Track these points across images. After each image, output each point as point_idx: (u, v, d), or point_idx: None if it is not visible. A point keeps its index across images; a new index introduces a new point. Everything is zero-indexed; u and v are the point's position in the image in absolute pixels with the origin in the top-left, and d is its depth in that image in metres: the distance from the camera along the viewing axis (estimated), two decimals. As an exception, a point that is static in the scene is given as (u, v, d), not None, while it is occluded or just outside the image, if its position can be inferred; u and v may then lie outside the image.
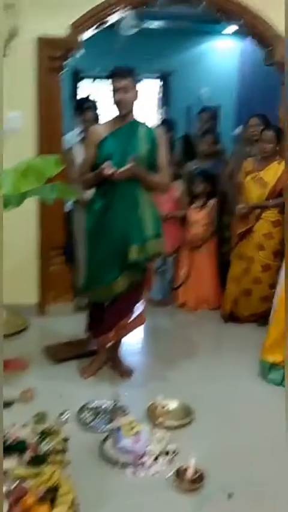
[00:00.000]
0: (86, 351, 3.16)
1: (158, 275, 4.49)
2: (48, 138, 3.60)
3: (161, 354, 3.25)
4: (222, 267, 4.03)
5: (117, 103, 2.67)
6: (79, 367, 2.97)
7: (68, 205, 3.99)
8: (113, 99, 2.68)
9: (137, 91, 2.70)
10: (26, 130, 3.55)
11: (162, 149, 2.79)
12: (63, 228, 3.85)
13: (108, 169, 2.59)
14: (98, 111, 3.79)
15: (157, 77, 7.44)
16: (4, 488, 1.92)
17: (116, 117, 2.76)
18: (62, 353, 3.15)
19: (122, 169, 2.59)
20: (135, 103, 2.72)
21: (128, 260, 2.69)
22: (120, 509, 1.93)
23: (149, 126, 2.81)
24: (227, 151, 4.42)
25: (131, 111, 2.72)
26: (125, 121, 2.73)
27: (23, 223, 3.67)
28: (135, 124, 2.75)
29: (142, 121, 2.80)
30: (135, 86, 2.67)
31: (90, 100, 3.94)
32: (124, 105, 2.67)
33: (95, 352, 3.07)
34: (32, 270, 3.79)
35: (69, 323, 3.61)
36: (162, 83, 7.43)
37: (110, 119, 2.83)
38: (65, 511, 1.77)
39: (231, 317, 3.79)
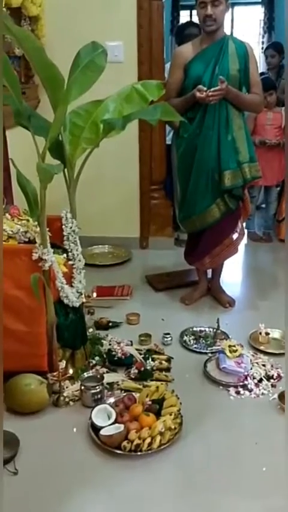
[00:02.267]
0: (187, 281, 3.21)
1: (260, 210, 4.36)
2: (150, 67, 3.53)
3: (262, 287, 3.19)
4: None
5: (206, 17, 2.50)
6: (181, 295, 3.03)
7: (169, 139, 3.94)
8: (200, 14, 2.53)
9: (228, 5, 2.53)
10: (127, 59, 3.51)
11: (253, 65, 2.63)
12: (163, 163, 3.82)
13: (200, 92, 2.48)
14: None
15: (261, 3, 6.99)
16: (112, 398, 2.07)
17: (204, 36, 2.61)
18: (163, 282, 3.23)
19: (213, 89, 2.47)
20: (224, 17, 2.55)
21: (221, 187, 2.62)
22: (222, 425, 1.99)
23: (239, 39, 2.63)
24: None
25: (220, 27, 2.56)
26: (214, 39, 2.57)
27: (125, 160, 3.72)
28: (225, 40, 2.58)
29: (230, 35, 2.63)
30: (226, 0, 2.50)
31: (192, 25, 3.75)
32: (213, 20, 2.50)
33: (194, 283, 3.10)
34: (134, 205, 3.85)
35: (170, 256, 3.67)
36: (266, 9, 6.96)
37: (197, 38, 2.68)
38: (170, 421, 1.86)
39: None
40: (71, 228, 2.26)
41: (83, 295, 2.31)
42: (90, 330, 2.55)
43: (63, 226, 2.26)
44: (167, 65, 3.85)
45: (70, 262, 2.27)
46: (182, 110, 2.64)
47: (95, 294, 2.70)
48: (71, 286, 2.24)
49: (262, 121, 3.81)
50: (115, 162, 3.70)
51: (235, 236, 2.76)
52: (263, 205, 4.32)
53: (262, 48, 6.59)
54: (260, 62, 5.16)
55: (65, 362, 2.16)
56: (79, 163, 2.31)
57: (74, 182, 2.30)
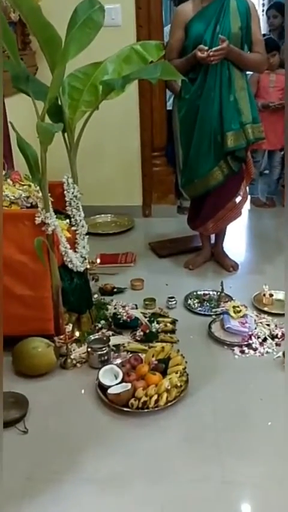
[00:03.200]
0: (190, 247, 3.21)
1: (264, 175, 4.32)
2: (148, 30, 3.45)
3: (265, 252, 3.18)
4: None
5: None
6: (184, 261, 3.03)
7: (169, 104, 3.89)
8: None
9: None
10: (125, 22, 3.43)
11: (255, 22, 2.56)
12: (164, 129, 3.78)
13: (201, 51, 2.43)
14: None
15: None
16: (119, 360, 2.10)
17: None
18: (167, 248, 3.23)
19: (214, 49, 2.42)
20: None
21: (224, 148, 2.58)
22: (228, 382, 2.02)
23: None
24: None
25: None
26: None
27: (126, 127, 3.67)
28: None
29: None
30: None
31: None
32: None
33: (198, 248, 3.11)
34: (136, 172, 3.82)
35: (173, 223, 3.66)
36: None
37: None
38: (176, 379, 1.89)
39: None
40: (72, 193, 2.26)
41: (87, 261, 2.32)
42: (96, 296, 2.57)
43: (65, 192, 2.25)
44: (166, 28, 3.77)
45: (73, 228, 2.27)
46: (183, 71, 2.58)
47: (99, 260, 2.71)
48: (75, 251, 2.25)
49: (265, 83, 3.74)
50: (115, 129, 3.66)
51: (238, 199, 2.74)
52: (266, 171, 4.28)
53: (263, 9, 6.41)
54: (262, 23, 5.03)
55: (71, 325, 2.19)
56: (79, 127, 2.29)
57: (74, 147, 2.28)
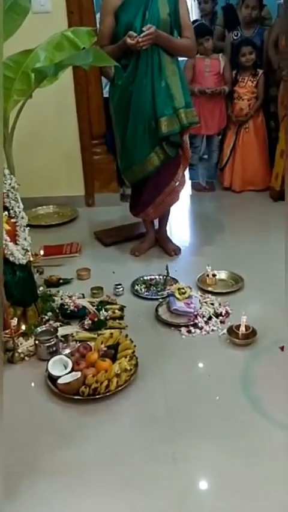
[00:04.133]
0: (135, 234, 3.23)
1: (203, 160, 4.40)
2: (80, 16, 3.39)
3: (208, 235, 3.25)
4: (270, 144, 3.88)
5: None
6: (130, 248, 3.05)
7: (106, 91, 3.86)
8: None
9: None
10: (55, 8, 3.36)
11: (183, 8, 2.59)
12: (102, 116, 3.75)
13: (131, 38, 2.43)
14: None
15: None
16: (68, 350, 2.10)
17: None
18: (112, 237, 3.23)
19: (142, 35, 2.42)
20: None
21: (158, 134, 2.60)
22: (177, 362, 2.07)
23: None
24: (271, 17, 4.06)
25: None
26: None
27: (63, 116, 3.62)
28: None
29: None
30: None
31: None
32: None
33: (142, 235, 3.13)
34: (76, 162, 3.78)
35: (117, 212, 3.66)
36: None
37: None
38: (126, 363, 1.91)
39: (281, 196, 3.69)
40: (10, 184, 2.21)
41: (29, 253, 2.28)
42: (41, 288, 2.53)
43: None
44: (98, 15, 3.73)
45: (12, 220, 2.23)
46: (115, 58, 2.55)
47: (42, 252, 2.68)
48: (16, 244, 2.20)
49: (200, 68, 3.78)
50: (52, 118, 3.60)
51: (176, 184, 2.78)
52: (205, 156, 4.36)
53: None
54: (193, 9, 5.08)
55: (16, 319, 2.15)
56: (13, 117, 2.24)
57: (9, 137, 2.23)
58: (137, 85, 2.57)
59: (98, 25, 3.50)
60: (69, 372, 1.92)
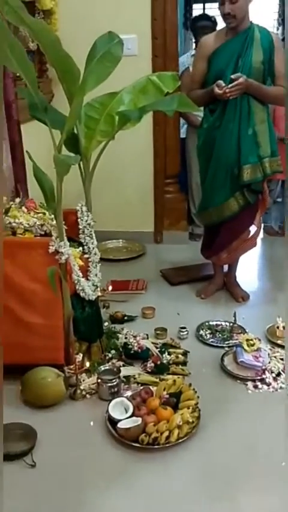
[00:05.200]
0: (202, 275, 3.18)
1: (277, 203, 4.31)
2: (164, 60, 3.50)
3: (279, 281, 3.14)
4: None
5: (225, 16, 2.45)
6: (196, 289, 3.01)
7: (182, 132, 3.92)
8: (220, 11, 2.47)
9: None
10: (141, 52, 3.48)
11: (279, 56, 2.55)
12: (177, 157, 3.80)
13: (219, 87, 2.44)
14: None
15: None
16: (129, 392, 2.06)
17: (228, 28, 2.56)
18: (178, 276, 3.21)
19: (230, 85, 2.42)
20: (247, 9, 2.47)
21: (240, 181, 2.58)
22: (241, 419, 1.97)
23: (266, 29, 2.57)
24: None
25: (242, 20, 2.49)
26: (237, 31, 2.51)
27: (140, 154, 3.70)
28: (250, 30, 2.51)
29: (257, 24, 2.56)
30: None
31: (207, 17, 3.71)
32: (233, 17, 2.44)
33: (210, 277, 3.08)
34: (148, 199, 3.83)
35: (184, 250, 3.65)
36: (280, 1, 6.82)
37: (223, 28, 2.63)
38: (188, 414, 1.85)
39: None
40: (86, 221, 2.26)
41: (98, 289, 2.30)
42: (106, 324, 2.54)
43: (79, 220, 2.25)
44: (181, 58, 3.83)
45: (86, 256, 2.26)
46: (203, 103, 2.62)
47: (110, 288, 2.70)
48: (87, 279, 2.23)
49: (280, 112, 3.75)
50: (129, 157, 3.68)
51: (253, 230, 2.73)
52: (279, 199, 4.27)
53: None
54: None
55: (81, 355, 2.16)
56: (94, 156, 2.30)
57: (89, 175, 2.29)
58: (223, 130, 2.57)
59: (179, 68, 3.64)
60: (130, 416, 1.88)
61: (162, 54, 3.50)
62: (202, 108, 2.71)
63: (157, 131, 3.64)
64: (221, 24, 2.79)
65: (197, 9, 7.05)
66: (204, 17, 3.82)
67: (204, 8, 6.92)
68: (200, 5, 7.09)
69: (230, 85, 2.43)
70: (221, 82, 2.45)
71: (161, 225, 3.86)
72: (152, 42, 3.49)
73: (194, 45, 3.72)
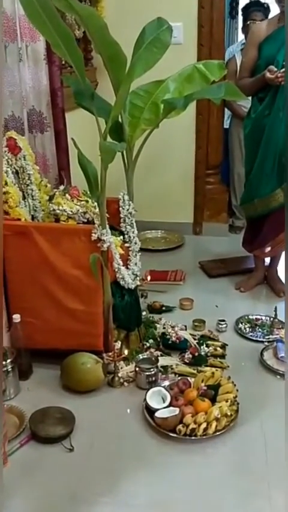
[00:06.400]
0: (242, 268, 3.14)
1: None
2: (209, 49, 3.43)
3: None
4: None
5: None
6: (236, 282, 2.97)
7: (227, 123, 3.86)
8: None
9: None
10: (187, 40, 3.43)
11: None
12: (220, 147, 3.73)
13: (271, 72, 2.38)
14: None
15: None
16: (167, 381, 2.06)
17: (281, 13, 2.49)
18: (217, 268, 3.17)
19: (283, 70, 2.36)
20: None
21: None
22: (280, 414, 1.90)
23: None
24: None
25: None
26: None
27: (182, 144, 3.65)
28: None
29: None
30: None
31: (259, 3, 3.61)
32: None
33: (250, 270, 3.03)
34: (189, 189, 3.79)
35: (224, 243, 3.61)
36: None
37: (275, 15, 2.57)
38: (227, 407, 1.83)
39: None
40: (127, 210, 2.26)
41: (138, 278, 2.30)
42: (144, 313, 2.54)
43: (120, 208, 2.26)
44: (230, 48, 3.75)
45: (126, 245, 2.27)
46: (253, 90, 2.57)
47: (149, 277, 2.69)
48: (127, 268, 2.23)
49: None
50: (171, 146, 3.65)
51: None
52: None
53: None
54: None
55: (120, 342, 2.17)
56: (138, 144, 2.29)
57: (132, 164, 2.28)
58: (273, 118, 2.51)
59: (225, 59, 3.56)
60: (167, 406, 1.88)
61: (208, 43, 3.43)
62: (250, 98, 2.66)
63: (200, 120, 3.58)
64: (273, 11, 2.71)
65: (243, -2, 6.89)
66: (257, 3, 3.72)
67: (250, -4, 6.76)
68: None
69: (282, 70, 2.37)
70: (272, 67, 2.39)
71: (201, 216, 3.82)
72: (198, 31, 3.43)
73: (239, 34, 3.64)
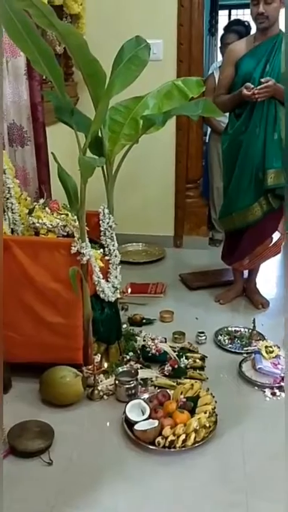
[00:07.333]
0: (222, 280, 3.18)
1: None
2: (189, 65, 3.51)
3: (300, 289, 3.12)
4: None
5: (258, 15, 2.45)
6: (215, 294, 3.00)
7: (206, 137, 3.93)
8: (253, 11, 2.47)
9: (282, 2, 2.44)
10: (166, 57, 3.50)
11: None
12: (200, 162, 3.80)
13: (247, 89, 2.45)
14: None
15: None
16: (146, 394, 2.07)
17: (257, 33, 2.56)
18: (197, 281, 3.20)
19: (259, 87, 2.43)
20: (279, 14, 2.47)
21: (264, 185, 2.57)
22: (258, 425, 1.96)
23: None
24: None
25: (273, 24, 2.49)
26: (267, 36, 2.52)
27: (161, 158, 3.70)
28: (279, 37, 2.51)
29: (286, 32, 2.55)
30: None
31: (240, 22, 3.71)
32: (265, 17, 2.44)
33: (229, 283, 3.07)
34: (169, 203, 3.84)
35: (204, 255, 3.65)
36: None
37: (251, 35, 2.64)
38: (205, 419, 1.84)
39: None
40: (108, 223, 2.27)
41: (118, 291, 2.31)
42: (124, 326, 2.55)
43: (101, 222, 2.27)
44: (211, 68, 3.83)
45: (106, 258, 2.28)
46: (230, 107, 2.63)
47: (130, 290, 2.71)
48: (107, 281, 2.25)
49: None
50: (151, 161, 3.70)
51: (277, 236, 2.71)
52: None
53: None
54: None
55: (99, 356, 2.18)
56: (117, 159, 2.32)
57: (112, 178, 2.31)
58: (249, 134, 2.57)
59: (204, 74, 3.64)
60: (147, 418, 1.88)
61: (187, 60, 3.52)
62: (226, 114, 2.72)
63: (180, 136, 3.65)
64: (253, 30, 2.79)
65: (222, 16, 7.07)
66: (238, 22, 3.82)
67: (230, 15, 6.95)
68: (226, 11, 7.11)
69: (259, 87, 2.43)
70: (249, 84, 2.46)
71: (182, 229, 3.86)
72: (178, 48, 3.51)
73: (219, 51, 3.72)
